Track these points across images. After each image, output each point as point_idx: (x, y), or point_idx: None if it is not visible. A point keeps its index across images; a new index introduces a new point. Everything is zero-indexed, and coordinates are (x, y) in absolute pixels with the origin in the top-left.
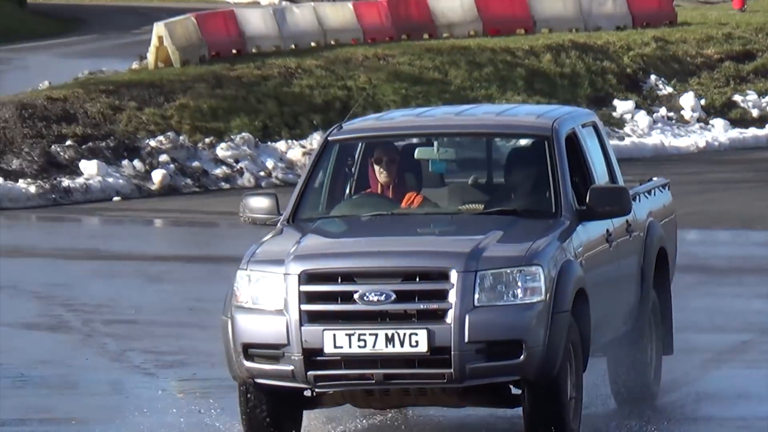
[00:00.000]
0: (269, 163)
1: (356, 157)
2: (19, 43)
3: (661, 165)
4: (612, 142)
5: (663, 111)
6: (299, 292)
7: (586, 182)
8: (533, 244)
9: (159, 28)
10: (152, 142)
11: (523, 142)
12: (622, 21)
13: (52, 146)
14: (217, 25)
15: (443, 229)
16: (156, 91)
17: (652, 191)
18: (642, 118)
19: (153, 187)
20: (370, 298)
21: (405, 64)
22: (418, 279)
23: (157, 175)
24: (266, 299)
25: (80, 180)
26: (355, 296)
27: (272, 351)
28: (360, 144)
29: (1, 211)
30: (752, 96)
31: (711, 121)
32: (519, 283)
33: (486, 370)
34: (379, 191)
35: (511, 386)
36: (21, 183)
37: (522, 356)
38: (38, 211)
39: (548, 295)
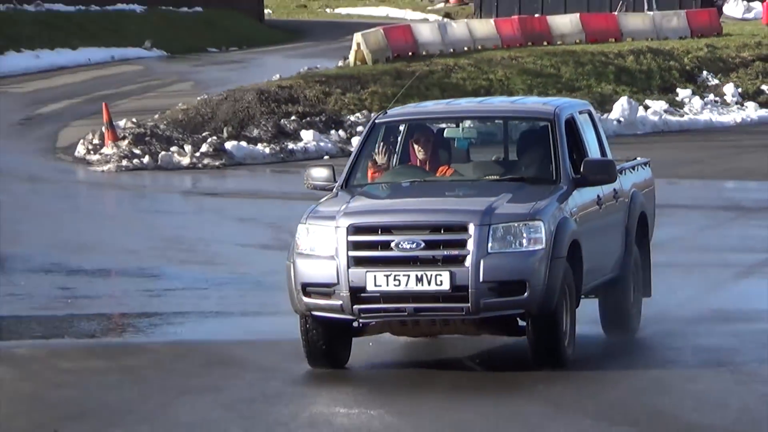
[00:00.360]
0: None
1: (399, 136)
2: (257, 48)
3: (709, 135)
4: (675, 119)
5: (711, 96)
6: (347, 241)
7: (581, 156)
8: (536, 203)
9: (358, 37)
10: (352, 118)
11: (531, 124)
12: (683, 33)
13: (281, 120)
14: (398, 35)
15: (465, 192)
16: (354, 81)
17: (636, 168)
18: (696, 102)
19: (352, 150)
20: (404, 246)
21: (530, 63)
22: (442, 231)
23: (355, 141)
24: (321, 247)
25: (301, 144)
26: (392, 245)
27: (325, 289)
28: (402, 126)
29: (245, 166)
30: None
31: (745, 104)
32: (524, 235)
33: (497, 305)
34: (417, 165)
35: (518, 319)
36: (259, 146)
37: (526, 294)
38: (271, 166)
39: (548, 245)
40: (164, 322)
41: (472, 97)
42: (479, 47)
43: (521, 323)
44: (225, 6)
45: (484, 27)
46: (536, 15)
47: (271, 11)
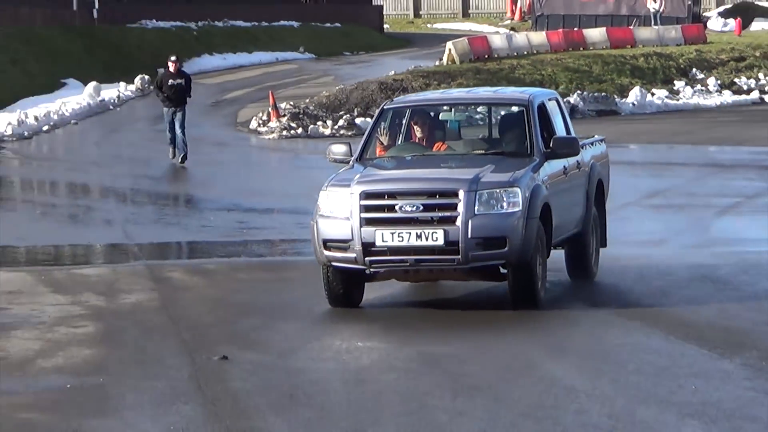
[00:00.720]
0: None
1: (403, 120)
2: (379, 52)
3: (697, 113)
4: (672, 102)
5: (698, 86)
6: (360, 205)
7: (551, 135)
8: (515, 173)
9: (449, 44)
10: None
11: (510, 108)
12: (679, 41)
13: None
14: (478, 43)
15: (456, 164)
16: (447, 75)
17: (594, 143)
18: (688, 90)
19: None
20: (406, 209)
21: (570, 62)
22: (437, 196)
23: None
24: (338, 210)
25: None
26: (396, 208)
27: (342, 244)
28: (405, 111)
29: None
30: (744, 80)
31: (723, 92)
32: (505, 199)
33: (482, 257)
34: (418, 142)
35: (500, 267)
36: None
37: (507, 248)
38: None
39: (524, 207)
40: (311, 246)
41: (528, 87)
42: (535, 52)
43: (503, 271)
44: (356, 22)
45: (538, 37)
46: (575, 29)
47: (388, 26)
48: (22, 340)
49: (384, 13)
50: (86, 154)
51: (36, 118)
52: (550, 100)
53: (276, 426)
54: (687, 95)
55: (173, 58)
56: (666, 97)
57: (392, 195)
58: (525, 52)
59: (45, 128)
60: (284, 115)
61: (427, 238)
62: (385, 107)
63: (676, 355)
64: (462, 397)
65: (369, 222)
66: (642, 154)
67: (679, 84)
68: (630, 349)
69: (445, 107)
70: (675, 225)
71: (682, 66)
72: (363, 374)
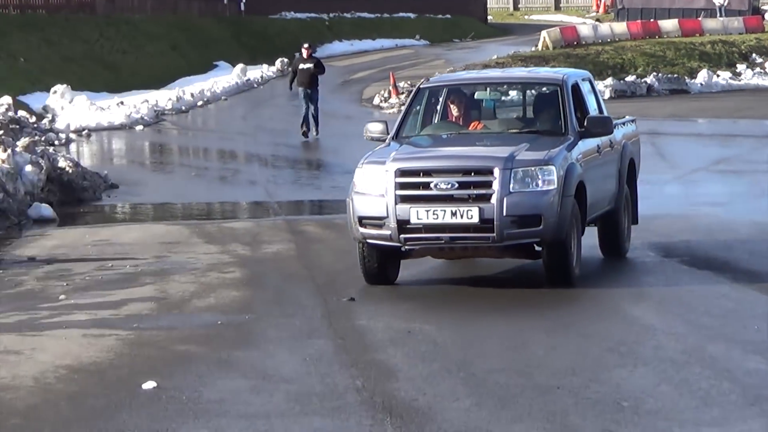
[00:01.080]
0: None
1: (440, 99)
2: (483, 39)
3: (756, 93)
4: (735, 83)
5: (758, 69)
6: (395, 182)
7: (584, 114)
8: (549, 151)
9: (544, 33)
10: None
11: (544, 88)
12: (741, 30)
13: None
14: (568, 32)
15: (491, 142)
16: (541, 59)
17: (625, 123)
18: (749, 73)
19: None
20: (441, 187)
21: (647, 48)
22: (473, 174)
23: None
24: (373, 187)
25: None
26: (431, 185)
27: (377, 221)
28: (442, 90)
29: None
30: None
31: None
32: (539, 177)
33: (517, 235)
34: (453, 121)
35: (535, 245)
36: None
37: (541, 225)
38: None
39: (559, 185)
40: None
41: (611, 70)
42: (617, 39)
43: (538, 248)
44: (463, 14)
45: (620, 27)
46: (651, 20)
47: (491, 17)
48: (180, 284)
49: (488, 6)
50: (234, 125)
51: (192, 95)
52: (583, 80)
53: (395, 358)
54: (747, 77)
55: (306, 45)
56: (729, 78)
57: (427, 172)
58: (608, 40)
59: (199, 103)
60: (402, 93)
61: (462, 216)
62: (421, 86)
63: (740, 299)
64: (555, 335)
65: (404, 199)
66: (709, 127)
67: (740, 67)
68: (700, 294)
69: (480, 87)
70: (737, 188)
71: (743, 51)
72: (470, 316)
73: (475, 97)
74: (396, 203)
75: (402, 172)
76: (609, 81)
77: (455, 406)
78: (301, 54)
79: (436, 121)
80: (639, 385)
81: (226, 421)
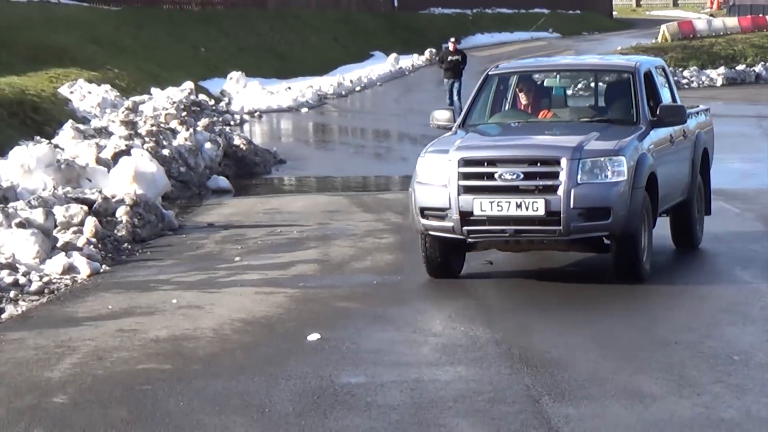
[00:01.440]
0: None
1: (509, 86)
2: (608, 32)
3: None
4: None
5: None
6: (458, 172)
7: (657, 102)
8: (620, 141)
9: (663, 26)
10: None
11: (616, 75)
12: None
13: None
14: (685, 26)
15: (559, 131)
16: (660, 50)
17: (699, 113)
18: None
19: None
20: (506, 177)
21: (756, 41)
22: (539, 164)
23: None
24: (436, 177)
25: None
26: (496, 176)
27: (439, 212)
28: (511, 77)
29: None
30: None
31: None
32: (609, 168)
33: (584, 228)
34: (523, 109)
35: (604, 238)
36: None
37: (610, 219)
38: None
39: (629, 176)
40: None
41: (723, 60)
42: (728, 33)
43: (606, 241)
44: (591, 10)
45: (732, 22)
46: (760, 15)
47: (616, 12)
48: (340, 247)
49: (613, 2)
50: (387, 107)
51: (350, 81)
52: (656, 68)
53: (530, 316)
54: None
55: (452, 39)
56: None
57: (491, 162)
58: (721, 33)
59: (357, 89)
60: None
61: (527, 208)
62: (489, 73)
63: None
64: (673, 296)
65: (467, 190)
66: None
67: None
68: None
69: (551, 74)
70: None
71: None
72: (594, 285)
73: (545, 84)
74: (459, 194)
75: (465, 162)
76: (721, 70)
77: (583, 357)
78: (447, 47)
79: (505, 109)
80: (748, 341)
81: (380, 369)
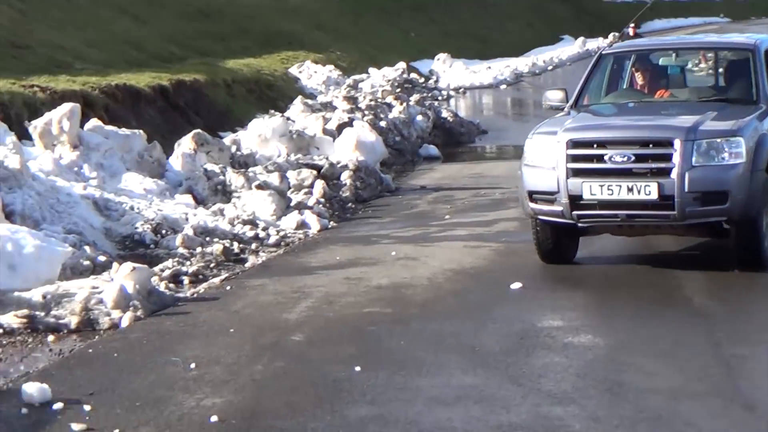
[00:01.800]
0: None
1: (625, 66)
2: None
3: None
4: None
5: None
6: (566, 154)
7: None
8: (738, 121)
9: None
10: None
11: (736, 54)
12: None
13: None
14: None
15: (674, 111)
16: None
17: None
18: None
19: None
20: (616, 159)
21: None
22: (651, 146)
23: None
24: (544, 159)
25: None
26: (606, 158)
27: (548, 196)
28: (626, 56)
29: None
30: None
31: None
32: (726, 149)
33: (700, 213)
34: (639, 89)
35: (723, 223)
36: None
37: (728, 203)
38: None
39: (748, 158)
40: None
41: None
42: None
43: (725, 226)
44: None
45: None
46: None
47: None
48: None
49: None
50: (576, 84)
51: (543, 61)
52: None
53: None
54: None
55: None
56: None
57: (601, 144)
58: None
59: (549, 68)
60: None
61: (639, 192)
62: (603, 52)
63: None
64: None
65: (576, 173)
66: None
67: None
68: None
69: (668, 52)
70: None
71: None
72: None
73: (660, 63)
74: (567, 177)
75: (574, 144)
76: None
77: (758, 308)
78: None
79: (620, 89)
80: None
81: (576, 314)
